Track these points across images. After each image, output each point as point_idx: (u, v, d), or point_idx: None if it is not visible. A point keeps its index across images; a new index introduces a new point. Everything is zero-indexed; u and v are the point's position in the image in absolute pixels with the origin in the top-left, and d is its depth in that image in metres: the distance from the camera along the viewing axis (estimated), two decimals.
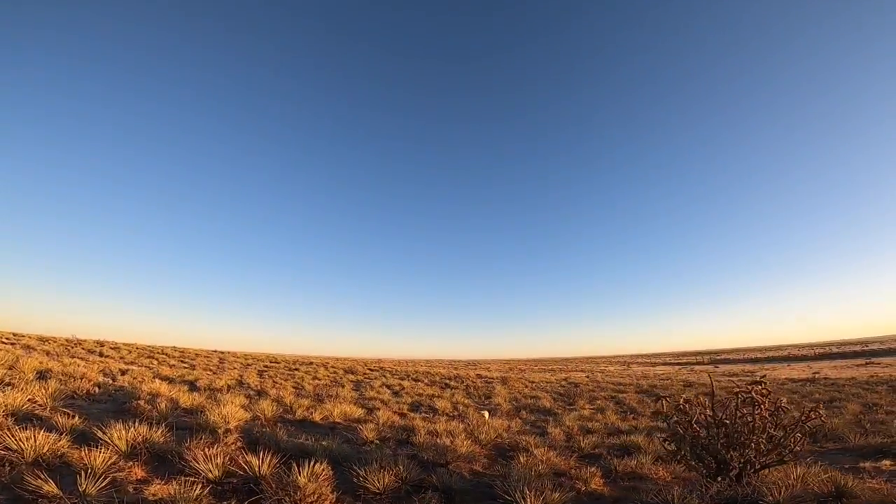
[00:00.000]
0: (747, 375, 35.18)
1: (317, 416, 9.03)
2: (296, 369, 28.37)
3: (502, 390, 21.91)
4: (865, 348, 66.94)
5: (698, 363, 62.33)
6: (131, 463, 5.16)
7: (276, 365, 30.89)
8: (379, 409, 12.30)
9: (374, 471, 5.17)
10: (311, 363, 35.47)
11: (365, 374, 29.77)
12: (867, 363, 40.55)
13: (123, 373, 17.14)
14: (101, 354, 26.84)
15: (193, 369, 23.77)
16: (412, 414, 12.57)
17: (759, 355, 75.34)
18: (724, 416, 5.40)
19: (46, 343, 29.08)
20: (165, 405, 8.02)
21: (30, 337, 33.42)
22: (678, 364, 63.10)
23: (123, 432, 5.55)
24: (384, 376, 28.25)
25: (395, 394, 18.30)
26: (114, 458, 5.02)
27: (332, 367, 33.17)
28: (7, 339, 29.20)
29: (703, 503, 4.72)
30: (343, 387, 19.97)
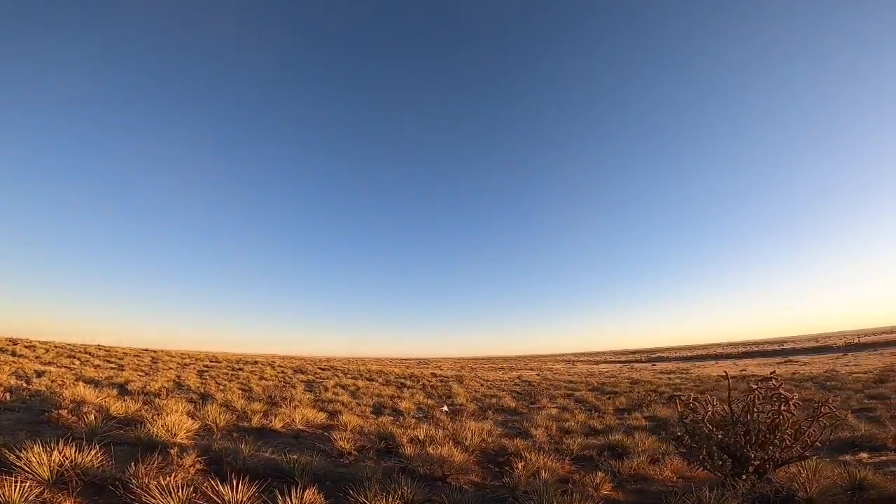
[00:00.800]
0: (682, 373, 36.89)
1: (277, 424, 7.93)
2: (240, 369, 26.36)
3: (460, 389, 21.33)
4: (782, 347, 72.77)
5: (637, 361, 65.22)
6: (61, 496, 3.98)
7: (218, 364, 28.63)
8: (341, 412, 11.27)
9: (375, 495, 4.26)
10: (256, 362, 33.30)
11: (315, 373, 28.22)
12: (786, 361, 43.82)
13: (40, 374, 14.90)
14: (13, 354, 23.64)
15: (122, 370, 21.38)
16: (377, 417, 11.65)
17: (688, 353, 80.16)
18: (741, 414, 5.04)
19: None
20: (94, 415, 6.65)
21: None
22: (619, 362, 65.68)
23: (44, 456, 4.31)
24: (336, 376, 26.87)
25: (353, 395, 17.21)
26: (36, 490, 3.85)
27: (280, 366, 31.25)
28: None
29: (740, 502, 4.30)
30: (295, 388, 18.56)
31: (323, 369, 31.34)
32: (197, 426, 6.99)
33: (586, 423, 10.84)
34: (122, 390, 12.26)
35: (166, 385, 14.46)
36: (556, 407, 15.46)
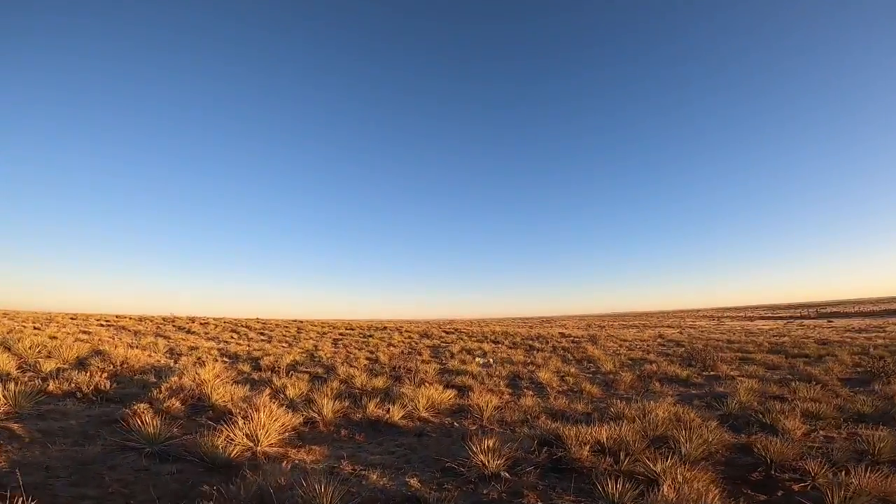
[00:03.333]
0: (878, 330, 28.93)
1: (396, 414, 6.16)
2: (370, 335, 26.47)
3: (598, 352, 18.39)
4: None
5: (803, 317, 54.36)
6: None
7: (351, 332, 29.30)
8: (471, 387, 9.35)
9: None
10: (385, 328, 33.77)
11: (440, 337, 27.37)
12: None
13: (194, 349, 15.64)
14: (188, 331, 26.36)
15: (269, 342, 22.39)
16: (515, 393, 9.52)
17: (873, 308, 64.36)
18: None
19: (142, 323, 29.29)
20: (182, 405, 5.53)
21: (129, 318, 34.19)
22: (777, 318, 55.53)
23: None
24: (461, 339, 25.63)
25: (482, 361, 15.44)
26: None
27: (407, 331, 31.16)
28: (107, 321, 29.80)
29: None
30: (421, 354, 17.45)
31: (447, 332, 30.50)
32: (297, 421, 5.49)
33: (834, 403, 7.36)
34: (255, 366, 11.84)
35: (298, 357, 14.02)
36: (743, 375, 11.87)
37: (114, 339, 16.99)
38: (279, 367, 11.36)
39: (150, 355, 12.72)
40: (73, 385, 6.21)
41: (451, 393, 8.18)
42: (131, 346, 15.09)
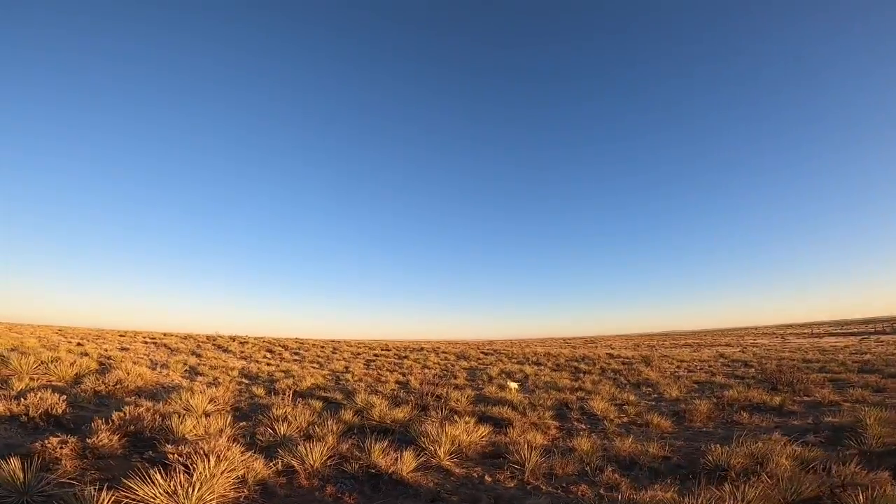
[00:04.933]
0: None
1: (406, 465, 4.50)
2: (405, 356, 24.99)
3: (654, 374, 15.98)
4: None
5: (877, 332, 48.14)
6: None
7: (387, 353, 27.94)
8: (511, 421, 7.58)
9: None
10: (422, 349, 32.22)
11: (478, 358, 25.48)
12: None
13: (216, 368, 14.69)
14: (225, 350, 25.93)
15: (301, 362, 21.40)
16: (565, 431, 7.67)
17: None
18: None
19: (185, 341, 29.26)
20: (121, 439, 4.19)
21: (175, 336, 34.47)
22: (848, 334, 49.49)
23: None
24: (500, 361, 23.65)
25: (522, 386, 13.53)
26: None
27: (444, 352, 29.46)
28: (153, 338, 30.00)
29: None
30: (456, 378, 15.73)
31: (486, 354, 28.55)
32: (269, 472, 4.00)
33: None
34: (270, 388, 10.57)
35: (320, 381, 12.69)
36: (847, 400, 9.43)
37: (136, 356, 16.39)
38: (294, 391, 10.03)
39: (165, 375, 11.80)
40: (22, 407, 5.09)
41: (484, 430, 6.47)
42: (155, 365, 14.36)
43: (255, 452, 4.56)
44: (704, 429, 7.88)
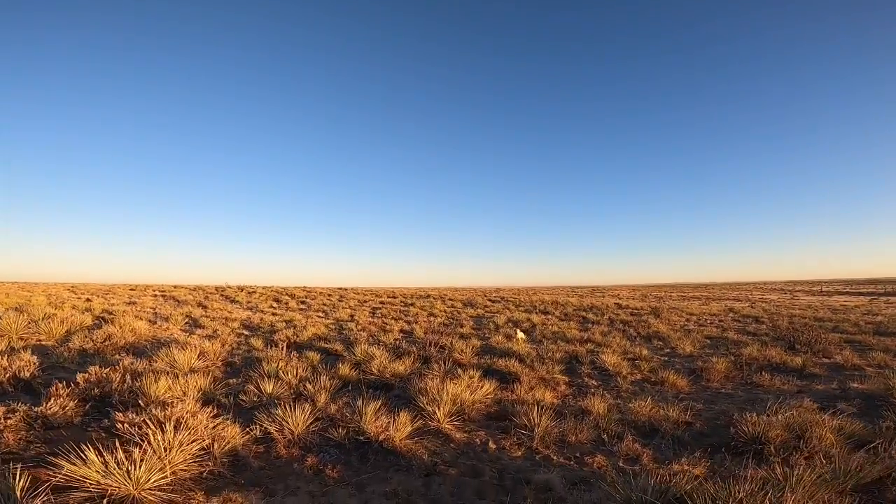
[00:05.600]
0: None
1: (400, 432, 3.96)
2: (411, 304, 24.80)
3: (664, 327, 15.50)
4: None
5: (888, 293, 46.89)
6: None
7: (393, 301, 27.81)
8: (518, 375, 7.11)
9: None
10: (429, 296, 32.11)
11: (485, 306, 25.25)
12: None
13: (219, 319, 14.46)
14: (232, 300, 25.93)
15: (307, 310, 21.27)
16: (575, 386, 7.20)
17: None
18: None
19: (194, 292, 29.30)
20: (78, 405, 3.71)
21: (185, 288, 34.59)
22: (858, 294, 48.37)
23: None
24: (507, 309, 23.37)
25: (530, 337, 13.14)
26: None
27: (451, 299, 29.28)
28: (163, 291, 30.10)
29: None
30: (462, 326, 15.41)
31: (493, 301, 28.31)
32: (243, 440, 3.52)
33: None
34: (269, 341, 10.22)
35: (322, 330, 12.36)
36: (870, 364, 8.87)
37: (141, 309, 16.18)
38: (293, 342, 9.67)
39: (164, 328, 11.50)
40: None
41: (489, 386, 5.98)
42: (156, 318, 14.14)
43: (232, 417, 4.07)
44: (723, 390, 7.36)
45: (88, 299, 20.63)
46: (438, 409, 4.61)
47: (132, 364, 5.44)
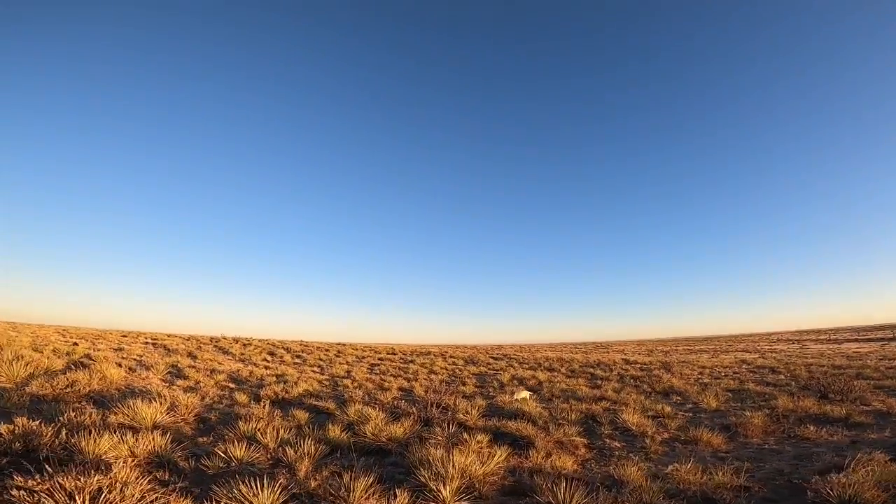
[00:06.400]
0: None
1: None
2: (411, 361, 23.59)
3: (679, 381, 14.38)
4: None
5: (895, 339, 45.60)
6: None
7: (392, 357, 26.55)
8: (532, 439, 6.15)
9: None
10: (429, 353, 30.77)
11: (488, 363, 24.00)
12: None
13: (204, 371, 13.42)
14: (224, 352, 24.74)
15: (302, 364, 20.14)
16: (597, 449, 6.22)
17: None
18: None
19: (187, 342, 28.08)
20: None
21: (179, 337, 33.31)
22: (867, 340, 47.00)
23: None
24: (511, 366, 22.14)
25: (538, 395, 12.04)
26: None
27: (451, 356, 27.97)
28: (155, 339, 28.89)
29: None
30: (465, 384, 14.27)
31: (495, 359, 27.02)
32: None
33: None
34: (254, 395, 9.23)
35: (315, 387, 11.37)
36: None
37: (126, 356, 15.14)
38: (280, 399, 8.70)
39: (144, 378, 10.53)
40: None
41: (500, 453, 5.05)
42: (139, 366, 13.12)
43: (187, 486, 3.21)
44: (766, 445, 6.43)
45: (75, 343, 19.55)
46: (444, 485, 3.72)
47: (79, 416, 4.58)
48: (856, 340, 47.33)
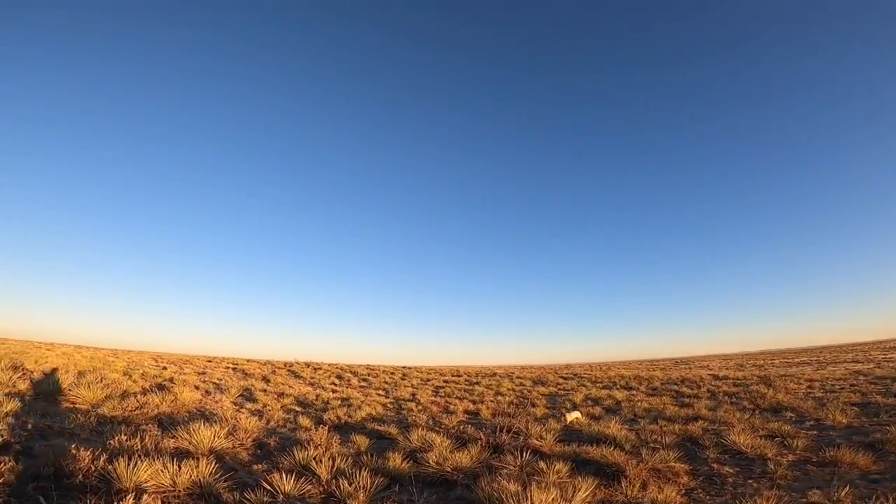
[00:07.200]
0: None
1: None
2: (476, 382, 22.68)
3: (787, 397, 12.23)
4: None
5: None
6: None
7: (458, 379, 25.77)
8: (621, 466, 5.17)
9: None
10: (495, 374, 29.63)
11: (557, 383, 22.45)
12: None
13: (274, 394, 13.53)
14: (296, 375, 25.38)
15: (367, 387, 20.00)
16: (698, 473, 5.08)
17: None
18: None
19: (264, 366, 29.28)
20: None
21: (257, 362, 34.93)
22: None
23: None
24: (583, 385, 20.51)
25: (620, 416, 10.70)
26: None
27: (518, 377, 26.66)
28: (235, 364, 30.42)
29: None
30: (535, 406, 13.19)
31: (565, 378, 25.32)
32: None
33: None
34: (319, 420, 8.94)
35: (378, 410, 10.95)
36: None
37: (208, 379, 15.74)
38: (343, 423, 8.32)
39: (217, 400, 10.69)
40: None
41: (585, 486, 4.18)
42: (217, 389, 13.51)
43: None
44: None
45: (164, 367, 20.91)
46: None
47: (130, 439, 4.39)
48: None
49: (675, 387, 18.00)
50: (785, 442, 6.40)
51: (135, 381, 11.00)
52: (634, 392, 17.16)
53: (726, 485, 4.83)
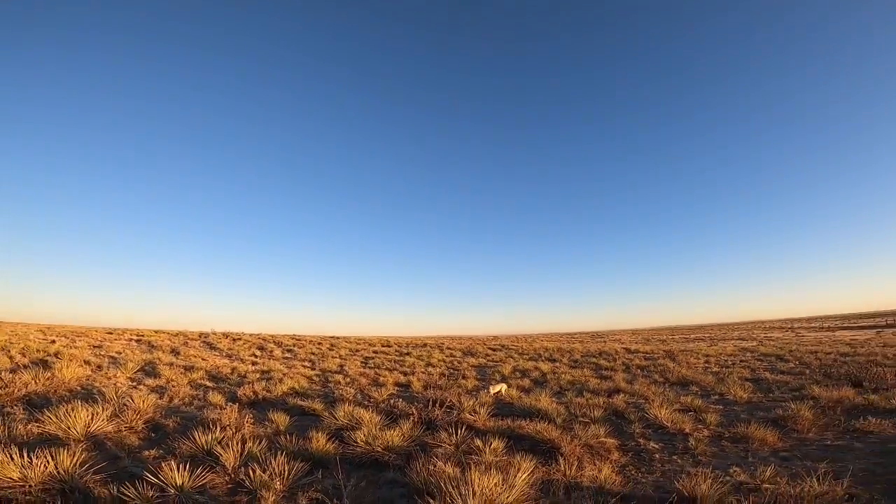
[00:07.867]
0: None
1: None
2: (407, 353, 22.48)
3: (687, 371, 13.44)
4: None
5: (889, 325, 45.38)
6: None
7: (387, 350, 25.42)
8: (555, 443, 5.09)
9: None
10: (426, 345, 29.68)
11: (486, 354, 22.96)
12: None
13: (182, 367, 12.22)
14: (212, 347, 23.50)
15: (292, 359, 18.94)
16: (626, 447, 5.17)
17: None
18: None
19: (175, 337, 26.73)
20: None
21: (166, 333, 31.90)
22: (860, 328, 46.75)
23: None
24: (511, 357, 21.12)
25: (547, 388, 10.98)
26: None
27: (448, 348, 26.92)
28: (141, 335, 27.49)
29: None
30: (465, 377, 13.22)
31: (493, 350, 26.00)
32: None
33: None
34: (232, 397, 8.08)
35: (302, 383, 10.24)
36: None
37: (104, 353, 13.86)
38: (261, 398, 7.56)
39: (110, 376, 9.31)
40: None
41: (525, 466, 3.98)
42: (113, 364, 11.87)
43: None
44: (827, 441, 5.46)
45: (53, 341, 18.19)
46: None
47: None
48: (848, 328, 47.02)
49: (594, 359, 19.08)
50: (699, 417, 6.78)
51: (10, 357, 9.24)
52: (558, 364, 17.94)
53: (654, 461, 4.92)
